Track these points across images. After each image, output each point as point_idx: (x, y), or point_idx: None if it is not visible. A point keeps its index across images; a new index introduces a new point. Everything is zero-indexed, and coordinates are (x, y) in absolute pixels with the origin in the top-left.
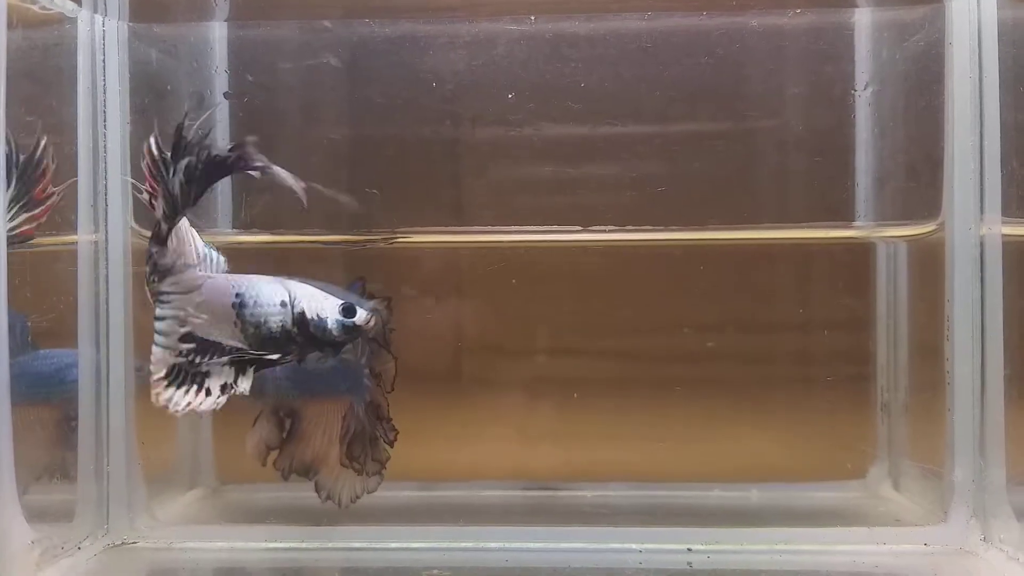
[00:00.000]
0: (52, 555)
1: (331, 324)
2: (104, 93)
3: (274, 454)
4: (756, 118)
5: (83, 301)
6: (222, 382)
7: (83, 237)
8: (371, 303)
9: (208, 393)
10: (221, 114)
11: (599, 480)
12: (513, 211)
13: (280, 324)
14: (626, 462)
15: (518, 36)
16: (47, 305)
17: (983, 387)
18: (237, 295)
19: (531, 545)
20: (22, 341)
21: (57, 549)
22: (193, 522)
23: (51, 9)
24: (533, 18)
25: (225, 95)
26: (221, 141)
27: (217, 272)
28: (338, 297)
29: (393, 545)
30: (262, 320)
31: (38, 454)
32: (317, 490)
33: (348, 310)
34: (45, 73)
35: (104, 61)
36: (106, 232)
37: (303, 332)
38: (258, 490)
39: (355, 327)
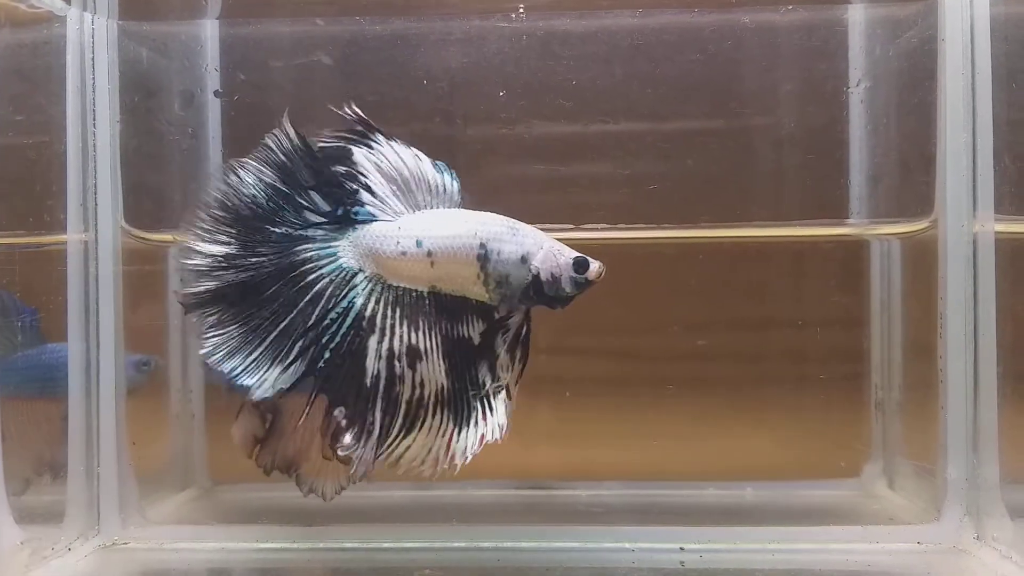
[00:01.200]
0: (42, 556)
1: (565, 282)
2: (93, 91)
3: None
4: (749, 115)
5: (73, 300)
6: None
7: (72, 236)
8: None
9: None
10: (213, 112)
11: (593, 479)
12: (505, 209)
13: (520, 280)
14: (620, 461)
15: (509, 33)
16: (37, 304)
17: (976, 385)
18: (481, 245)
19: (524, 544)
20: (32, 335)
21: (47, 550)
22: (186, 522)
23: (40, 8)
24: (524, 15)
25: (215, 93)
26: (213, 139)
27: (452, 206)
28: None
29: (385, 545)
30: (504, 276)
31: (42, 449)
32: (299, 484)
33: (581, 265)
34: (34, 71)
35: (93, 59)
36: (96, 231)
37: (536, 289)
38: (252, 490)
39: (587, 283)
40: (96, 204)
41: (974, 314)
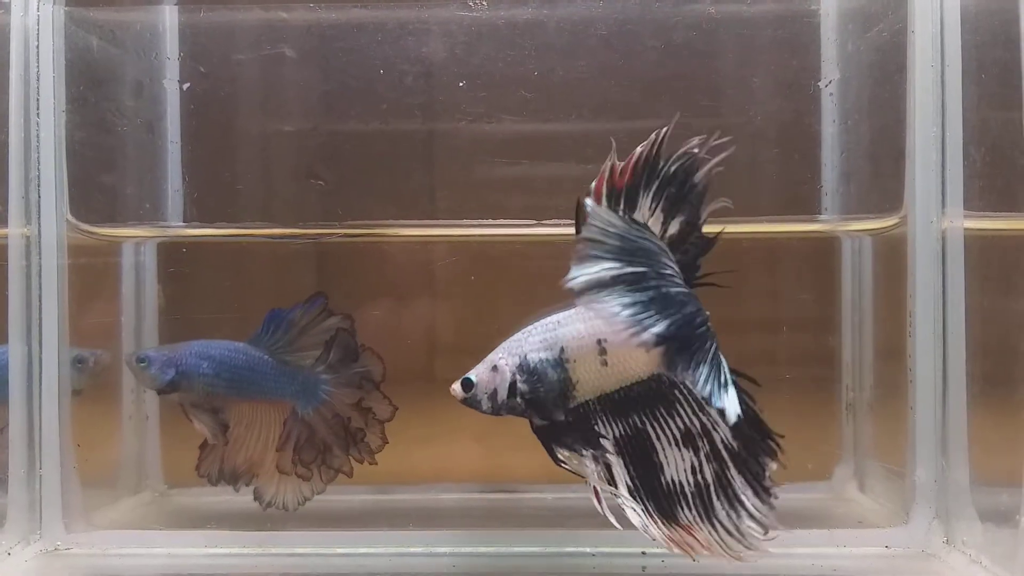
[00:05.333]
0: None
1: None
2: (37, 80)
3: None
4: (718, 110)
5: (13, 296)
6: None
7: (13, 230)
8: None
9: None
10: (171, 104)
11: (562, 482)
12: (466, 201)
13: None
14: None
15: (470, 23)
16: None
17: (945, 385)
18: None
19: (481, 549)
20: None
21: None
22: (135, 527)
23: None
24: (485, 3)
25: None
26: (171, 132)
27: None
28: None
29: (338, 550)
30: None
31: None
32: (257, 498)
33: None
34: None
35: (38, 47)
36: (39, 225)
37: None
38: (207, 494)
39: None
40: (39, 197)
41: (943, 313)
